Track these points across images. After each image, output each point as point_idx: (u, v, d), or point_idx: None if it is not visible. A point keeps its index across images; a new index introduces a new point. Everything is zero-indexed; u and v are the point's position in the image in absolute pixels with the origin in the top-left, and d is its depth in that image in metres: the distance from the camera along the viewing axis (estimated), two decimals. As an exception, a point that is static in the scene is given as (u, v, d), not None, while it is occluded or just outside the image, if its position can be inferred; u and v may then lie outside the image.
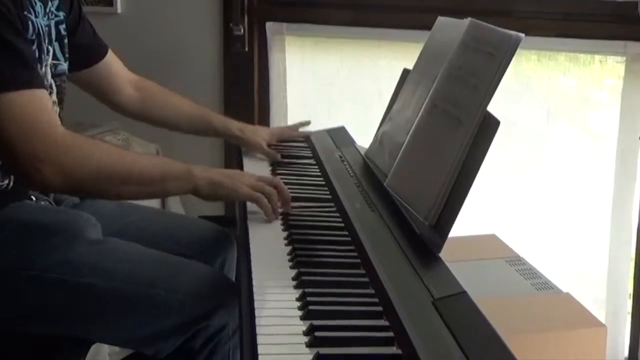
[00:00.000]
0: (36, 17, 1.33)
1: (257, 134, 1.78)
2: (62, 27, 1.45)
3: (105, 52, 1.65)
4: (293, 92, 2.64)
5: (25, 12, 1.29)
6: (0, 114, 1.18)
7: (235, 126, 1.76)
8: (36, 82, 1.25)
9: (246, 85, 2.61)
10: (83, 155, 1.23)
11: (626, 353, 2.44)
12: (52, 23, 1.40)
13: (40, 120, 1.21)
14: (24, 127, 1.19)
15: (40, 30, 1.34)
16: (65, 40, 1.46)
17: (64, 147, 1.22)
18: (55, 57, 1.41)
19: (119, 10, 2.61)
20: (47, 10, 1.39)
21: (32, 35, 1.31)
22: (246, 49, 2.56)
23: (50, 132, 1.22)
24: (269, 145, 1.77)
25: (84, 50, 1.56)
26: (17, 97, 1.19)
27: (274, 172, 1.66)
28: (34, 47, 1.32)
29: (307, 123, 1.95)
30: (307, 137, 1.89)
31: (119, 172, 1.26)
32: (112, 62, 1.67)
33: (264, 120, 2.65)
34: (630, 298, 2.41)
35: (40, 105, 1.23)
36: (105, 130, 2.32)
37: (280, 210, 1.36)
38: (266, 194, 1.34)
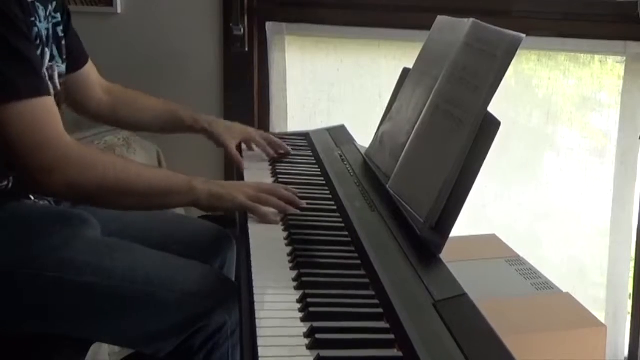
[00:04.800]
0: (40, 22, 1.33)
1: (230, 130, 1.75)
2: (60, 28, 1.45)
3: (87, 61, 1.66)
4: (293, 92, 2.64)
5: (32, 19, 1.29)
6: (11, 122, 1.18)
7: (203, 119, 1.74)
8: (45, 89, 1.26)
9: (246, 85, 2.60)
10: (89, 166, 1.25)
11: (626, 353, 2.44)
12: (51, 26, 1.40)
13: (50, 130, 1.22)
14: (33, 137, 1.20)
15: (42, 35, 1.35)
16: (63, 42, 1.46)
17: (71, 158, 1.23)
18: (52, 60, 1.41)
19: (119, 10, 2.60)
20: (48, 13, 1.39)
21: (36, 40, 1.31)
22: (246, 49, 2.56)
23: (58, 142, 1.23)
24: (247, 146, 1.76)
25: (69, 56, 1.55)
26: (28, 105, 1.20)
27: (273, 172, 1.65)
28: (38, 52, 1.32)
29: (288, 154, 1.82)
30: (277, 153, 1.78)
31: (124, 185, 1.28)
32: (90, 71, 1.68)
33: (264, 120, 2.64)
34: (630, 298, 2.41)
35: (49, 113, 1.24)
36: (105, 130, 2.31)
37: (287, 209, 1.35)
38: (263, 201, 1.34)
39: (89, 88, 1.68)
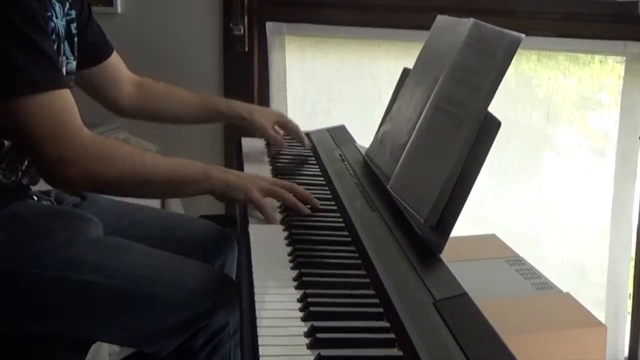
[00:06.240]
0: (56, 17, 1.34)
1: (265, 116, 1.77)
2: (73, 25, 1.46)
3: (111, 52, 1.66)
4: (293, 92, 2.64)
5: (49, 14, 1.30)
6: (30, 115, 1.19)
7: (241, 108, 1.75)
8: (63, 82, 1.26)
9: (246, 85, 2.61)
10: (108, 158, 1.25)
11: (626, 353, 2.44)
12: (65, 22, 1.41)
13: (68, 122, 1.23)
14: (52, 129, 1.20)
15: (59, 31, 1.35)
16: (75, 39, 1.47)
17: (90, 150, 1.23)
18: (64, 56, 1.42)
19: (119, 10, 2.61)
20: (65, 10, 1.39)
21: (52, 35, 1.32)
22: (246, 49, 2.56)
23: (77, 134, 1.23)
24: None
25: (90, 49, 1.56)
26: (47, 98, 1.20)
27: (273, 172, 1.65)
28: (54, 47, 1.32)
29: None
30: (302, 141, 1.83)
31: (142, 175, 1.28)
32: (116, 62, 1.68)
33: (264, 120, 2.64)
34: (630, 298, 2.41)
35: (68, 106, 1.24)
36: (106, 130, 2.31)
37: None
38: (278, 195, 1.35)
39: (118, 81, 1.68)
